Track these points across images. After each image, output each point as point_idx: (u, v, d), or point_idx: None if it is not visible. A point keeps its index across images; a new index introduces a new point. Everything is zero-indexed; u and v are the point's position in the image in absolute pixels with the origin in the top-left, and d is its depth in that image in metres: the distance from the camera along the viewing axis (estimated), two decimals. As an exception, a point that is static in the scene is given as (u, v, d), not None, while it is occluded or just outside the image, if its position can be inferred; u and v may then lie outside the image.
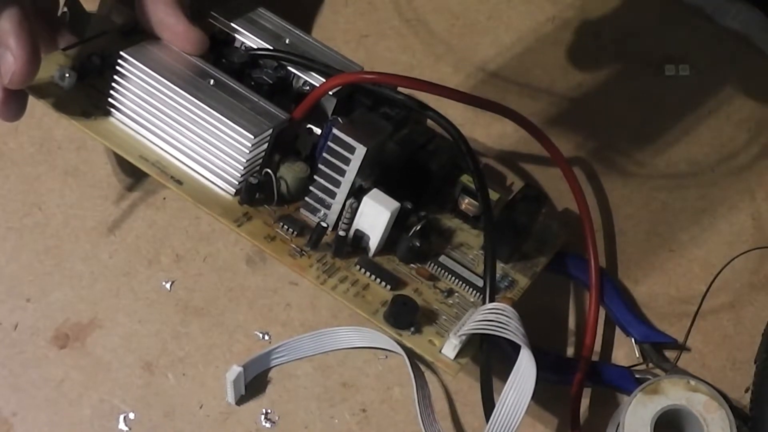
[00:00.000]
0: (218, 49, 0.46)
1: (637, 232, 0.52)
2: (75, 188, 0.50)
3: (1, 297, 0.47)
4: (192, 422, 0.45)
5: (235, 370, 0.44)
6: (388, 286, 0.42)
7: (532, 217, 0.46)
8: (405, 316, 0.41)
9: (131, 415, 0.45)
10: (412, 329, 0.41)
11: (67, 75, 0.43)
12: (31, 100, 0.43)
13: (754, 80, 0.57)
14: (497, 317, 0.39)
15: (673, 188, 0.53)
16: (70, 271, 0.48)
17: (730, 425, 0.43)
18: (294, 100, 0.45)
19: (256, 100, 0.43)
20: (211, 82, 0.43)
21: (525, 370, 0.39)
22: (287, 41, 0.47)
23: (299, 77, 0.46)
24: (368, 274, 0.42)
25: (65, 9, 0.47)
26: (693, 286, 0.50)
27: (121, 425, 0.44)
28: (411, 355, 0.45)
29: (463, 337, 0.40)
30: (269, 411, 0.45)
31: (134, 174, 0.50)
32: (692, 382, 0.44)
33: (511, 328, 0.39)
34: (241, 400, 0.45)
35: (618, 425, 0.43)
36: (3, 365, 0.45)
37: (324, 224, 0.42)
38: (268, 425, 0.45)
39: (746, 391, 0.47)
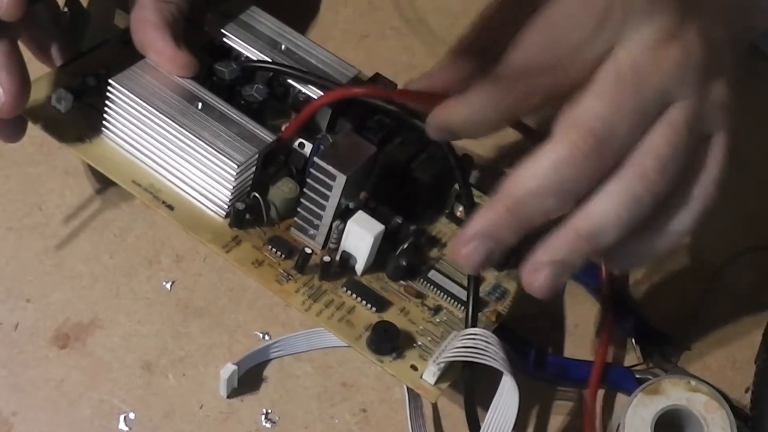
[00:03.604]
0: (214, 55, 0.46)
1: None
2: (75, 188, 0.50)
3: (1, 297, 0.47)
4: (192, 422, 0.45)
5: (230, 368, 0.44)
6: (374, 308, 0.42)
7: None
8: (386, 343, 0.41)
9: (131, 415, 0.45)
10: (394, 355, 0.41)
11: (63, 98, 0.43)
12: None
13: (754, 80, 0.57)
14: (476, 343, 0.39)
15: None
16: (70, 271, 0.48)
17: (730, 425, 0.43)
18: (291, 107, 0.45)
19: (244, 123, 0.43)
20: (200, 105, 0.43)
21: (507, 395, 0.39)
22: (284, 47, 0.47)
23: (294, 87, 0.46)
24: (354, 296, 0.43)
25: (65, 9, 0.47)
26: (693, 286, 0.50)
27: (121, 425, 0.44)
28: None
29: (442, 365, 0.40)
30: (269, 411, 0.45)
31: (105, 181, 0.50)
32: (692, 382, 0.44)
33: (491, 354, 0.39)
34: (235, 394, 0.45)
35: (618, 425, 0.44)
36: (3, 365, 0.45)
37: (308, 250, 0.42)
38: (268, 425, 0.45)
39: (746, 391, 0.47)
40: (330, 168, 0.41)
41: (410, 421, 0.43)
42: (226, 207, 0.43)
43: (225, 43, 0.46)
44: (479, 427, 0.39)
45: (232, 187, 0.42)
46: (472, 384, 0.40)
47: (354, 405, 0.46)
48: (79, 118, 0.44)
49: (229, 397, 0.45)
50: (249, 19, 0.47)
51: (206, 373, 0.46)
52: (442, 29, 0.58)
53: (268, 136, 0.43)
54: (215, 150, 0.42)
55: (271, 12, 0.48)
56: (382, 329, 0.41)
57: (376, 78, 0.47)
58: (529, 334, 0.47)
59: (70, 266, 0.48)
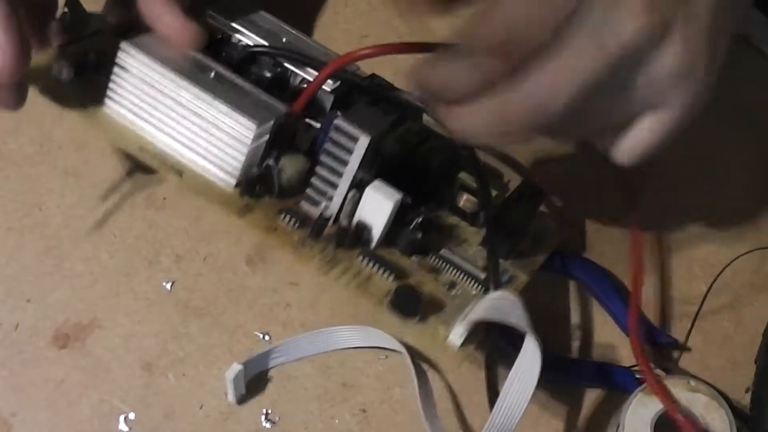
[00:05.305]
0: (216, 47, 0.45)
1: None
2: (75, 188, 0.50)
3: (1, 297, 0.47)
4: (192, 422, 0.45)
5: (235, 368, 0.44)
6: (391, 278, 0.42)
7: (530, 213, 0.46)
8: (409, 305, 0.40)
9: (131, 415, 0.45)
10: (417, 318, 0.41)
11: (64, 69, 0.43)
12: (31, 100, 0.43)
13: (754, 80, 0.57)
14: (503, 304, 0.39)
15: (673, 188, 0.53)
16: (70, 271, 0.48)
17: (730, 425, 0.43)
18: (291, 98, 0.45)
19: (257, 93, 0.43)
20: (212, 74, 0.43)
21: (530, 356, 0.38)
22: (284, 40, 0.47)
23: (296, 74, 0.46)
24: (371, 265, 0.42)
25: (65, 10, 0.47)
26: (693, 286, 0.50)
27: (121, 425, 0.44)
28: (413, 353, 0.45)
29: (469, 325, 0.40)
30: (269, 411, 0.45)
31: (135, 170, 0.50)
32: (692, 383, 0.44)
33: (517, 315, 0.39)
34: (241, 400, 0.45)
35: (618, 425, 0.43)
36: (3, 365, 0.45)
37: (327, 214, 0.42)
38: (268, 425, 0.45)
39: (746, 391, 0.47)
40: (353, 129, 0.41)
41: (421, 407, 0.43)
42: (237, 175, 0.42)
43: (226, 35, 0.46)
44: (497, 393, 0.39)
45: (246, 151, 0.41)
46: (494, 345, 0.40)
47: (354, 405, 0.46)
48: (79, 91, 0.44)
49: (239, 402, 0.45)
50: (249, 15, 0.47)
51: (206, 374, 0.46)
52: (442, 29, 0.58)
53: (282, 107, 0.43)
54: (233, 110, 0.41)
55: (270, 12, 0.48)
56: (405, 291, 0.41)
57: (373, 77, 0.47)
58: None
59: (70, 266, 0.48)
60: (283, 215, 0.43)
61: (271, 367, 0.46)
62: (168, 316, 0.47)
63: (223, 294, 0.48)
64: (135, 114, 0.43)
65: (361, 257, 0.42)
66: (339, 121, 0.41)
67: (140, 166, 0.49)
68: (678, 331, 0.48)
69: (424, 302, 0.41)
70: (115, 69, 0.43)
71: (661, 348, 0.48)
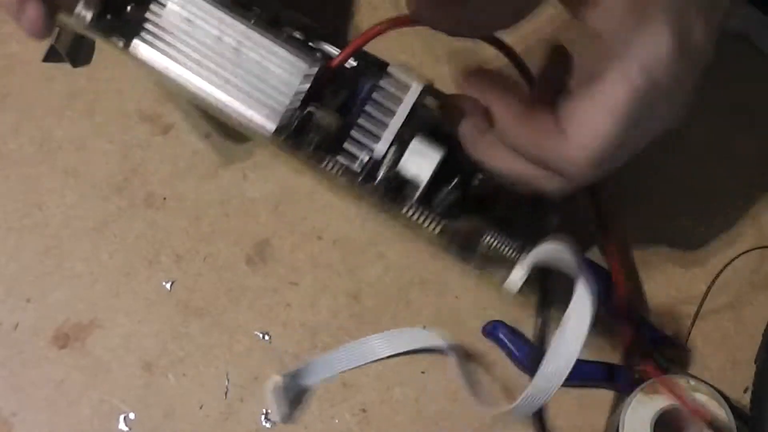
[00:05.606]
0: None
1: (638, 233, 0.52)
2: (75, 188, 0.50)
3: (1, 297, 0.47)
4: (192, 422, 0.45)
5: (275, 379, 0.44)
6: (438, 228, 0.42)
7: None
8: (470, 245, 0.41)
9: (131, 415, 0.45)
10: (473, 262, 0.41)
11: (90, 9, 0.42)
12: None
13: (754, 80, 0.57)
14: (555, 250, 0.40)
15: (672, 188, 0.53)
16: (70, 271, 0.48)
17: (730, 425, 0.43)
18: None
19: (295, 44, 0.42)
20: (253, 21, 0.41)
21: (582, 294, 0.39)
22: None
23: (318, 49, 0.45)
24: (417, 216, 0.42)
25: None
26: (693, 286, 0.50)
27: (121, 425, 0.44)
28: (460, 356, 0.46)
29: (527, 267, 0.40)
30: (269, 411, 0.45)
31: (168, 102, 0.50)
32: (692, 382, 0.44)
33: (568, 259, 0.40)
34: (285, 418, 0.45)
35: (618, 425, 0.44)
36: (3, 365, 0.45)
37: (378, 154, 0.41)
38: (268, 425, 0.45)
39: (746, 391, 0.47)
40: (405, 77, 0.40)
41: (467, 384, 0.44)
42: (279, 119, 0.41)
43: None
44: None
45: (293, 93, 0.41)
46: (546, 288, 0.43)
47: (354, 405, 0.46)
48: (105, 31, 0.42)
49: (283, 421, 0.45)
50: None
51: (206, 374, 0.46)
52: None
53: (320, 58, 0.42)
54: (283, 48, 0.40)
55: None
56: (462, 235, 0.41)
57: None
58: (531, 335, 0.47)
59: (70, 266, 0.48)
60: (326, 161, 0.42)
61: (312, 384, 0.46)
62: (168, 316, 0.47)
63: (223, 294, 0.48)
64: (170, 55, 0.42)
65: (406, 208, 0.42)
66: (392, 68, 0.40)
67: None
68: (678, 331, 0.48)
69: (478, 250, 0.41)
70: (152, 6, 0.41)
71: (661, 348, 0.48)
